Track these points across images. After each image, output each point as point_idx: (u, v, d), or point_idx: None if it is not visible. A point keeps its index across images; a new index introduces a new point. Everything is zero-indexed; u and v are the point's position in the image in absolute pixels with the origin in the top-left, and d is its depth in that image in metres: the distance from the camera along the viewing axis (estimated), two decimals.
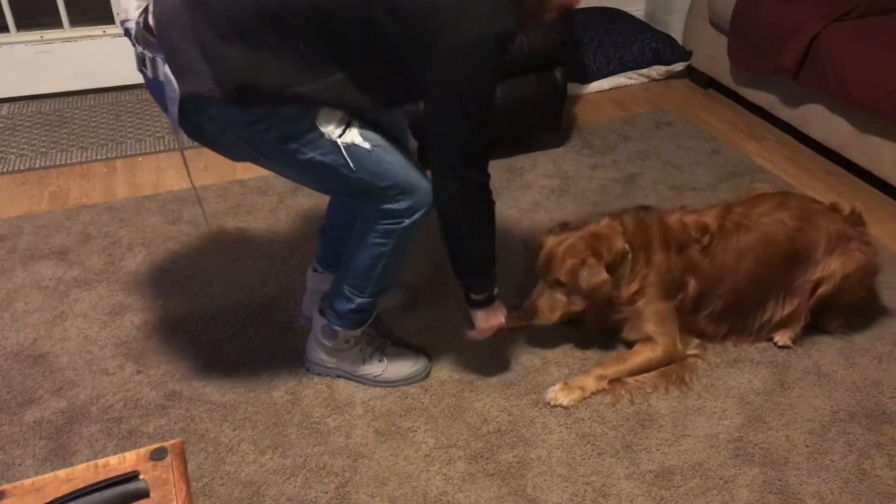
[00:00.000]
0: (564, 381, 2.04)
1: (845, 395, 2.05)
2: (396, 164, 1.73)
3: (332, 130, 1.65)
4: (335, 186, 1.79)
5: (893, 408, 2.02)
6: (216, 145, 1.74)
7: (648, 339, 2.10)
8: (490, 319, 1.96)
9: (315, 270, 2.19)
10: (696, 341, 2.16)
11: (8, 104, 3.45)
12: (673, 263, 2.06)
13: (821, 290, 2.12)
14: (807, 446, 1.91)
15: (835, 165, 3.13)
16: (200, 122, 1.64)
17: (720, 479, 1.82)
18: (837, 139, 3.02)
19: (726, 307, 2.13)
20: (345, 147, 1.66)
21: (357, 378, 2.06)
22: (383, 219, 1.77)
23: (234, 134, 1.65)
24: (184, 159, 1.89)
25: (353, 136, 1.67)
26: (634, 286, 2.06)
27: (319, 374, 2.08)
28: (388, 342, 2.12)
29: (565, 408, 1.98)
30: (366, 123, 1.70)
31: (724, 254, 2.09)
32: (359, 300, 1.92)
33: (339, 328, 1.97)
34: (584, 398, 2.01)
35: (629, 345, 2.16)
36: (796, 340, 2.20)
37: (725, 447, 1.90)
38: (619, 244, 2.03)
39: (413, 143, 1.96)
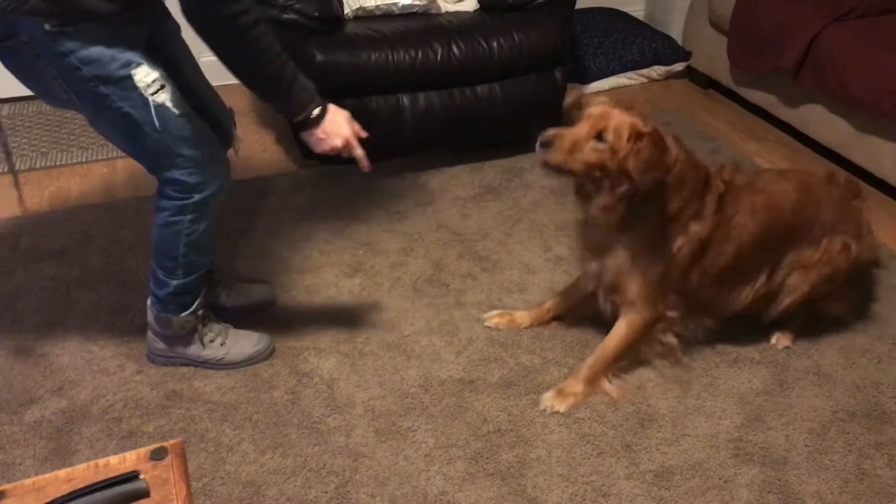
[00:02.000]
0: (557, 388, 2.02)
1: (845, 394, 2.06)
2: (198, 136, 1.79)
3: (146, 87, 1.69)
4: (137, 143, 1.79)
5: (893, 407, 2.02)
6: (32, 76, 1.74)
7: (630, 306, 1.99)
8: (332, 139, 1.81)
9: None
10: (676, 313, 2.04)
11: (8, 104, 3.45)
12: (693, 203, 1.92)
13: (787, 301, 2.08)
14: (806, 446, 1.91)
15: (835, 165, 3.12)
16: (15, 46, 1.65)
17: (720, 478, 1.82)
18: (837, 139, 3.02)
19: (724, 268, 2.01)
20: (155, 106, 1.70)
21: (201, 364, 2.09)
22: (174, 192, 1.82)
23: (49, 64, 1.66)
24: None
25: (165, 98, 1.72)
26: (655, 202, 1.88)
27: (164, 365, 2.10)
28: (229, 325, 2.14)
29: (561, 413, 1.97)
30: (180, 91, 1.77)
31: (734, 208, 1.97)
32: (174, 283, 1.95)
33: (166, 315, 2.00)
34: (579, 403, 2.00)
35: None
36: (795, 340, 2.20)
37: (725, 447, 1.90)
38: (675, 151, 1.85)
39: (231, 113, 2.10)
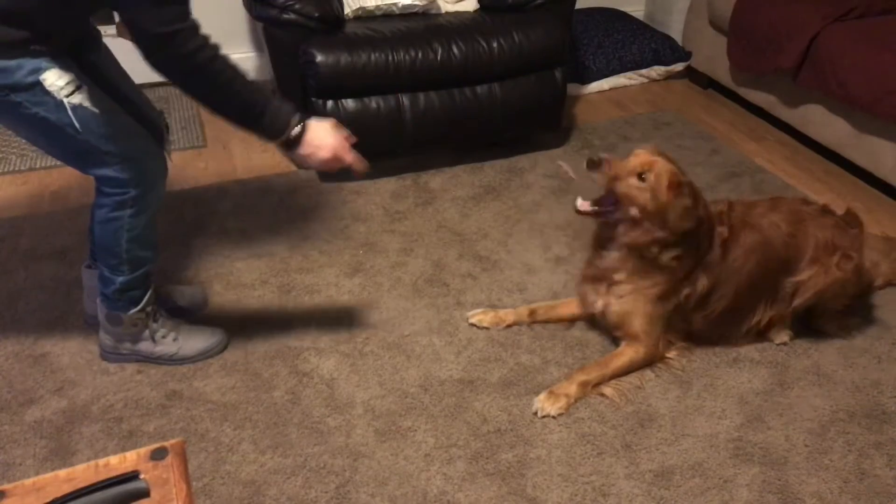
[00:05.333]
0: (549, 390, 2.01)
1: (845, 394, 2.06)
2: (123, 131, 1.77)
3: (59, 90, 1.67)
4: (61, 146, 1.79)
5: (893, 407, 2.02)
6: None
7: (634, 338, 2.08)
8: (318, 153, 1.76)
9: (88, 267, 2.18)
10: (681, 345, 2.15)
11: None
12: (702, 252, 2.02)
13: (797, 302, 2.11)
14: (806, 446, 1.91)
15: (834, 165, 3.13)
16: None
17: (720, 478, 1.82)
18: (836, 139, 3.03)
19: (725, 309, 2.11)
20: (71, 107, 1.68)
21: (154, 360, 2.09)
22: (110, 188, 1.82)
23: None
24: None
25: (82, 98, 1.69)
26: (677, 252, 2.00)
27: (118, 362, 2.10)
28: (181, 321, 2.14)
29: (553, 417, 1.97)
30: (98, 88, 1.74)
31: (735, 252, 2.06)
32: (119, 279, 1.95)
33: (116, 312, 2.00)
34: (570, 405, 1.99)
35: (617, 341, 2.15)
36: (793, 337, 2.21)
37: (725, 447, 1.90)
38: (714, 224, 2.03)
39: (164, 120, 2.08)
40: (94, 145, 1.75)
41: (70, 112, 1.69)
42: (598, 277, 2.13)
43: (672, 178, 1.93)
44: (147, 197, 1.86)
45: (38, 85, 1.65)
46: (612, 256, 2.07)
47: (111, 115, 1.75)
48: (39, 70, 1.65)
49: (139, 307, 2.02)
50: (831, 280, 2.08)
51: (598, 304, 2.13)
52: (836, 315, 2.20)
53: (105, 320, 2.04)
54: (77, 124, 1.70)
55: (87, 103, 1.70)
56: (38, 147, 1.89)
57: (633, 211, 1.96)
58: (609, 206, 2.00)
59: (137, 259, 1.95)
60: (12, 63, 1.62)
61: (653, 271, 2.03)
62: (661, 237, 1.97)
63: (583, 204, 2.03)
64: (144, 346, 2.07)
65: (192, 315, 2.26)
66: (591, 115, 3.54)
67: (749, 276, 2.08)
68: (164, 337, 2.08)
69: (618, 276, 2.07)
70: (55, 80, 1.66)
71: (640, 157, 1.97)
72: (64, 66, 1.69)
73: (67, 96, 1.68)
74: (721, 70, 3.57)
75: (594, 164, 1.95)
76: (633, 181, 1.94)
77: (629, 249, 2.02)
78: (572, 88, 3.58)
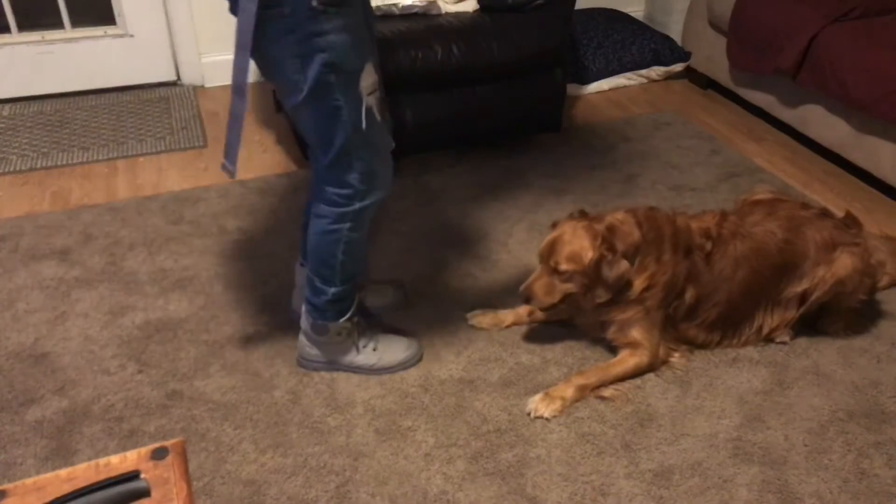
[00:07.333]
0: (545, 391, 2.01)
1: (844, 394, 2.06)
2: (383, 147, 1.79)
3: (366, 87, 1.66)
4: (329, 138, 1.75)
5: (892, 407, 2.02)
6: (272, 50, 1.64)
7: (635, 346, 2.08)
8: None
9: (302, 265, 2.18)
10: (683, 348, 2.15)
11: (9, 105, 3.46)
12: (679, 267, 2.04)
13: (814, 297, 2.11)
14: (805, 446, 1.91)
15: (834, 166, 3.13)
16: (273, 16, 1.56)
17: (719, 478, 1.83)
18: (836, 139, 3.03)
19: (719, 317, 2.12)
20: (366, 107, 1.68)
21: (353, 369, 2.08)
22: (339, 197, 1.80)
23: (297, 41, 1.59)
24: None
25: (374, 102, 1.70)
26: (643, 282, 2.01)
27: (315, 370, 2.10)
28: (379, 330, 2.14)
29: (547, 419, 1.97)
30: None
31: (723, 262, 2.08)
32: (332, 290, 1.94)
33: (323, 322, 2.00)
34: (566, 408, 1.99)
35: (614, 348, 2.15)
36: (793, 337, 2.21)
37: (724, 446, 1.90)
38: (636, 235, 1.99)
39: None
40: (358, 149, 1.73)
41: (363, 111, 1.67)
42: (588, 323, 2.17)
43: (582, 253, 1.96)
44: (367, 211, 1.84)
45: (357, 74, 1.64)
46: (587, 309, 2.11)
47: (381, 128, 1.75)
48: (364, 60, 1.64)
49: (347, 317, 2.01)
50: (849, 269, 2.08)
51: (594, 328, 2.18)
52: (846, 314, 2.20)
53: (311, 329, 2.03)
54: (362, 124, 1.68)
55: (375, 109, 1.69)
56: (302, 130, 1.83)
57: (575, 292, 2.03)
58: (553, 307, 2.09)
59: (349, 271, 1.94)
60: (350, 42, 1.60)
61: (630, 303, 2.05)
62: (609, 289, 2.00)
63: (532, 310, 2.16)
64: (346, 356, 2.07)
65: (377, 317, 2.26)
66: (590, 116, 3.54)
67: (742, 284, 2.09)
68: (364, 346, 2.07)
69: (603, 318, 2.10)
70: (368, 75, 1.65)
71: (542, 255, 2.03)
72: (375, 66, 1.67)
73: (368, 95, 1.67)
74: (720, 70, 3.58)
75: (527, 299, 2.05)
76: (557, 278, 2.00)
77: (598, 307, 2.07)
78: (572, 89, 3.58)
